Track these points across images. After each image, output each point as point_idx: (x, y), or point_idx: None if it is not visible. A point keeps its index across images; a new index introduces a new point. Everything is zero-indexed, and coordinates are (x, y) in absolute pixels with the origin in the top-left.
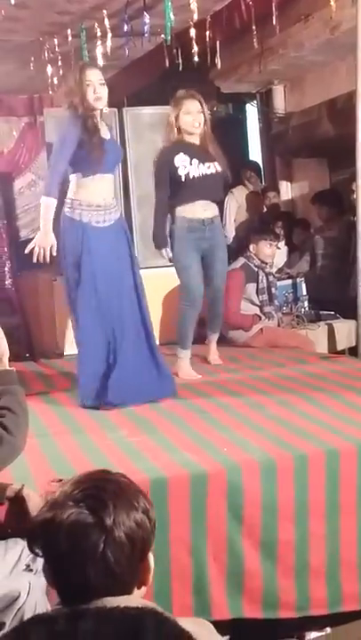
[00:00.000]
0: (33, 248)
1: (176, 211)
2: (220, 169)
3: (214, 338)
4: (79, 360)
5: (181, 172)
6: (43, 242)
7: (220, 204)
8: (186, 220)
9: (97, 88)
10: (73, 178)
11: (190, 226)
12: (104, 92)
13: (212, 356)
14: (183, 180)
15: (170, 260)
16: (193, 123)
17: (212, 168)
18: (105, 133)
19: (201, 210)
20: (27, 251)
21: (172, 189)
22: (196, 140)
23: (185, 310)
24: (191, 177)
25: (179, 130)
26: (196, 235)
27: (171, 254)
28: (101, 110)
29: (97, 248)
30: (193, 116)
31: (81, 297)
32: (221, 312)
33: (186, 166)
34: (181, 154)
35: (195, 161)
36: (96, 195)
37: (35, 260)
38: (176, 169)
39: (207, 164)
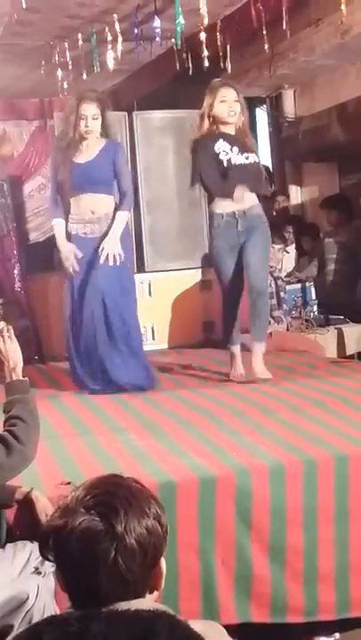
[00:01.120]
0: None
1: (212, 205)
2: (258, 160)
3: (259, 347)
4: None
5: (223, 157)
6: (65, 253)
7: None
8: (217, 219)
9: (89, 122)
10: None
11: (222, 222)
12: (96, 125)
13: (258, 367)
14: (225, 165)
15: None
16: (229, 111)
17: (251, 158)
18: (82, 158)
19: (231, 202)
20: (67, 270)
21: (211, 181)
22: (231, 131)
23: (226, 310)
24: (233, 163)
25: (213, 120)
26: (230, 230)
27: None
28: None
29: (79, 254)
30: (229, 105)
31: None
32: (264, 316)
33: (227, 152)
34: (221, 140)
35: (235, 148)
36: (84, 209)
37: (71, 271)
38: (217, 154)
39: (245, 154)
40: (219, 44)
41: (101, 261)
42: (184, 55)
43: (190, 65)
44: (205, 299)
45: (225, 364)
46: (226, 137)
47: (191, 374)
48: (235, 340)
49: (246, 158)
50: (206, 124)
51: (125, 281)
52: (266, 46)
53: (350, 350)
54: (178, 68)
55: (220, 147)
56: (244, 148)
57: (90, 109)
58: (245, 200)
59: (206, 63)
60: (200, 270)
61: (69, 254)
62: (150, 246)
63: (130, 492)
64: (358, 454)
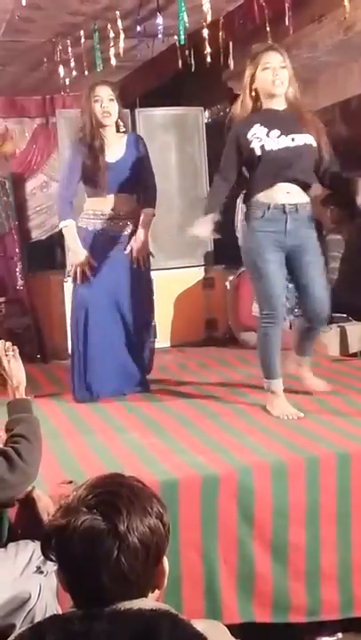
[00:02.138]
0: (74, 271)
1: (250, 197)
2: (311, 142)
3: (308, 361)
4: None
5: (255, 145)
6: (76, 260)
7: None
8: (261, 207)
9: (104, 102)
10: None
11: (268, 216)
12: (113, 107)
13: (314, 381)
14: (259, 154)
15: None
16: (274, 80)
17: (300, 140)
18: (113, 156)
19: (282, 194)
20: (67, 275)
21: (248, 171)
22: (279, 105)
23: (267, 330)
24: (268, 150)
25: (257, 95)
26: (276, 227)
27: (208, 230)
28: (117, 127)
29: (92, 252)
30: (274, 72)
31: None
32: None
33: (261, 138)
34: (257, 125)
35: (275, 132)
36: (106, 206)
37: (79, 282)
38: (248, 143)
39: (292, 136)
40: (221, 40)
41: (131, 264)
42: (186, 52)
43: (193, 62)
44: (208, 297)
45: (227, 363)
46: (267, 117)
47: (193, 372)
48: (278, 372)
49: (293, 140)
50: (248, 100)
51: (145, 283)
52: (269, 42)
53: (353, 349)
54: (180, 64)
55: (255, 133)
56: (292, 128)
57: (104, 91)
58: (290, 195)
59: (209, 60)
60: (203, 268)
61: (84, 262)
62: (152, 243)
63: (132, 491)
64: (360, 453)
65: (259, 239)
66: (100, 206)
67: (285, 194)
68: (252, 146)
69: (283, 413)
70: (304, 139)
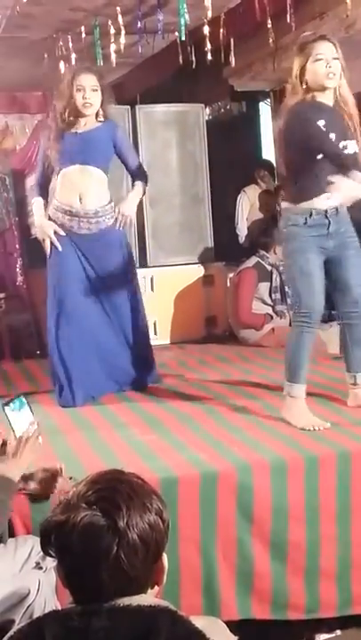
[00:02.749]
0: (46, 246)
1: (292, 201)
2: (357, 149)
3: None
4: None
5: (341, 145)
6: (43, 235)
7: None
8: (303, 213)
9: (87, 93)
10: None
11: (310, 222)
12: (96, 98)
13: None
14: (320, 157)
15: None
16: (327, 73)
17: (351, 148)
18: (83, 129)
19: (324, 200)
20: (46, 251)
21: (299, 169)
22: (329, 100)
23: (301, 334)
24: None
25: (307, 87)
26: (319, 231)
27: None
28: (96, 115)
29: (60, 232)
30: (326, 63)
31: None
32: None
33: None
34: (322, 121)
35: (332, 135)
36: (71, 192)
37: (48, 251)
38: (324, 134)
39: (344, 143)
40: (222, 37)
41: (117, 226)
42: (188, 48)
43: (194, 58)
44: (208, 294)
45: (227, 360)
46: (325, 114)
47: (193, 369)
48: (304, 377)
49: (345, 148)
50: (300, 92)
51: (129, 277)
52: (270, 39)
53: None
54: (181, 61)
55: (329, 125)
56: (344, 132)
57: (88, 80)
58: (331, 198)
59: (210, 57)
60: (203, 265)
61: (49, 230)
62: (153, 241)
63: (131, 488)
64: (360, 451)
65: (301, 241)
66: (63, 192)
67: (326, 200)
68: (339, 143)
69: (308, 424)
70: (354, 147)
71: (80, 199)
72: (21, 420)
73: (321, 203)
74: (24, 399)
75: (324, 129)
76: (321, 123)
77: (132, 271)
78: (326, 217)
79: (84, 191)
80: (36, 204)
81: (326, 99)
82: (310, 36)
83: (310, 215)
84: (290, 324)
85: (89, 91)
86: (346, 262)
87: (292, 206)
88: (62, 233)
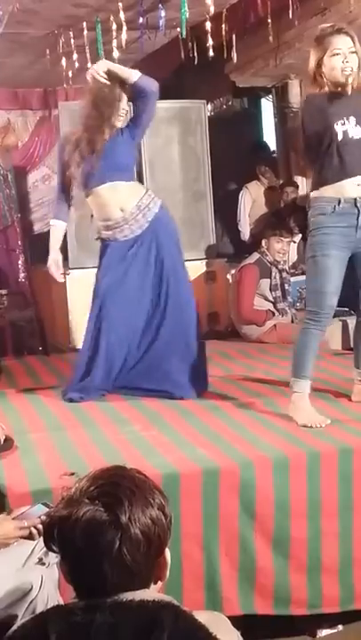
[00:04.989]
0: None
1: (316, 189)
2: None
3: None
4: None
5: (338, 129)
6: (48, 262)
7: None
8: (331, 201)
9: (124, 104)
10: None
11: (338, 211)
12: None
13: None
14: (340, 138)
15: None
16: (344, 68)
17: None
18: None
19: (353, 187)
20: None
21: (320, 154)
22: (347, 92)
23: (309, 327)
24: (351, 137)
25: (322, 82)
26: (348, 222)
27: None
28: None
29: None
30: (344, 58)
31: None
32: None
33: (344, 122)
34: (335, 106)
35: (352, 119)
36: (110, 212)
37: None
38: (331, 123)
39: None
40: (224, 33)
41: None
42: (189, 44)
43: (195, 54)
44: (210, 290)
45: (229, 356)
46: (341, 101)
47: None
48: (309, 373)
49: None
50: (316, 86)
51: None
52: (272, 36)
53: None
54: (183, 57)
55: (335, 112)
56: None
57: (125, 103)
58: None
59: (211, 53)
60: (205, 262)
61: (54, 269)
62: None
63: (134, 483)
64: None
65: (325, 234)
66: (107, 214)
67: (356, 186)
68: (336, 128)
69: (309, 421)
70: None
71: (121, 209)
72: None
73: (350, 190)
74: None
75: (331, 117)
76: (335, 107)
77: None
78: (356, 205)
79: (123, 203)
80: (52, 228)
81: (344, 90)
82: (328, 28)
83: (339, 203)
84: (292, 321)
85: (125, 103)
86: None
87: (320, 195)
88: (60, 268)
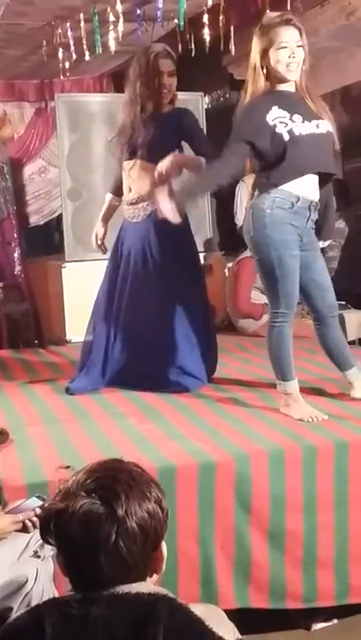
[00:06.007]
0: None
1: (275, 185)
2: (331, 129)
3: (355, 372)
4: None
5: (281, 130)
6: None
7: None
8: (290, 198)
9: (165, 77)
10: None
11: (296, 209)
12: (174, 82)
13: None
14: (287, 139)
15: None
16: (290, 63)
17: (323, 127)
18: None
19: (310, 188)
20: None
21: (271, 159)
22: (291, 88)
23: (282, 329)
24: (298, 135)
25: (268, 74)
26: (300, 222)
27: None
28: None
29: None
30: (291, 52)
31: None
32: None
33: (286, 123)
34: (276, 107)
35: (297, 116)
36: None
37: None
38: (271, 128)
39: (316, 122)
40: (222, 25)
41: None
42: (187, 36)
43: (193, 46)
44: (207, 283)
45: (225, 350)
46: (282, 100)
47: None
48: (293, 373)
49: (317, 127)
50: (261, 80)
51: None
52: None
53: (351, 336)
54: (180, 49)
55: (275, 116)
56: (310, 114)
57: (168, 64)
58: (317, 189)
59: (209, 44)
60: (202, 255)
61: (93, 237)
62: None
63: (130, 476)
64: (358, 441)
65: (286, 232)
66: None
67: (312, 189)
68: (277, 130)
69: (306, 415)
70: (326, 126)
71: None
72: None
73: (308, 191)
74: None
75: (272, 122)
76: (274, 112)
77: (194, 255)
78: (309, 209)
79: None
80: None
81: (288, 86)
82: (276, 18)
83: (297, 201)
84: None
85: (166, 76)
86: (316, 264)
87: (278, 188)
88: (102, 234)
